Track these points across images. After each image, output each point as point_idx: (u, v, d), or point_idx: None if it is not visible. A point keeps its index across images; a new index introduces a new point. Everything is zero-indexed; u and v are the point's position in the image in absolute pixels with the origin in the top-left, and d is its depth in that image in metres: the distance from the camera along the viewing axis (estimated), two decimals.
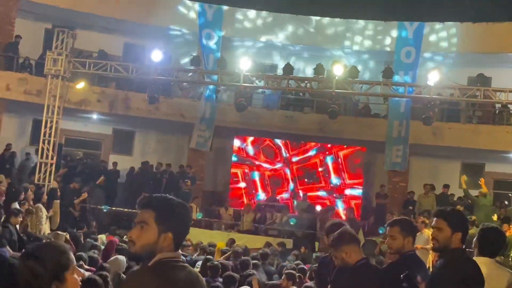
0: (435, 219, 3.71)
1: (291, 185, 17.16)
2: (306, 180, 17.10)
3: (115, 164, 17.36)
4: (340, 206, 16.70)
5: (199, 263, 8.61)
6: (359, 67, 14.38)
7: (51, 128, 13.92)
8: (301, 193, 16.96)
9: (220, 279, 7.28)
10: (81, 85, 14.69)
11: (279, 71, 15.91)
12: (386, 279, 3.99)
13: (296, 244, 13.24)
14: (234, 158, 17.23)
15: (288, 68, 14.06)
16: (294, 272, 7.47)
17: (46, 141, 13.89)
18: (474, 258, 4.14)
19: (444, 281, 3.44)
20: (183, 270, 2.51)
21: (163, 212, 2.53)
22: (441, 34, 17.30)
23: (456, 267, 3.47)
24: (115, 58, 16.32)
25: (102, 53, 15.97)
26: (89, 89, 15.61)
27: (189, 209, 2.65)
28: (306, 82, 14.24)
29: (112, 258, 7.93)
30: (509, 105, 16.03)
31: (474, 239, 4.22)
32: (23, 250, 2.80)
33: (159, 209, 2.54)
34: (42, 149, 13.88)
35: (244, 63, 13.88)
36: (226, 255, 9.96)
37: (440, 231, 3.62)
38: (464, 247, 3.67)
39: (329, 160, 17.09)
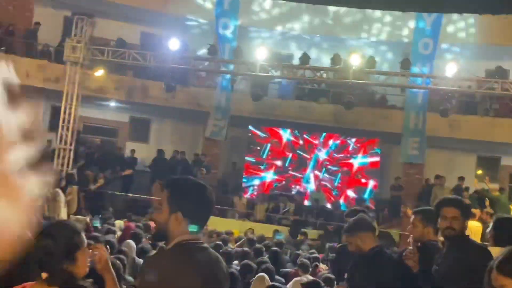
0: (446, 207, 3.77)
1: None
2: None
3: (133, 151, 17.59)
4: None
5: None
6: (377, 58, 14.33)
7: (69, 114, 14.10)
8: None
9: (235, 266, 7.38)
10: (99, 72, 14.84)
11: (296, 61, 15.92)
12: (400, 266, 4.04)
13: (327, 236, 13.19)
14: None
15: (305, 58, 14.05)
16: (307, 261, 7.56)
17: (64, 128, 14.08)
18: (489, 248, 4.17)
19: (468, 269, 3.49)
20: (203, 253, 2.48)
21: (175, 191, 2.51)
22: (459, 25, 17.15)
23: (478, 254, 3.55)
24: (133, 46, 16.44)
25: (120, 41, 16.09)
26: (107, 77, 15.76)
27: (209, 190, 2.55)
28: (322, 72, 14.23)
29: (124, 243, 8.05)
30: None
31: (488, 229, 4.25)
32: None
33: (172, 189, 2.53)
34: (61, 135, 14.07)
35: (260, 53, 13.91)
36: (239, 242, 10.08)
37: (456, 220, 3.71)
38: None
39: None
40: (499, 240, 4.11)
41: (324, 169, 17.28)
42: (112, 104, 17.73)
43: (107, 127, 18.87)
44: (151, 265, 2.50)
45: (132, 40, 17.28)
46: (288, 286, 6.62)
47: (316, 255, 8.81)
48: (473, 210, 12.06)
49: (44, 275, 2.45)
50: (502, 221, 4.19)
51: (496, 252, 4.09)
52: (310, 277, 6.96)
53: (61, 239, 2.45)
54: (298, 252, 9.64)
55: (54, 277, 2.44)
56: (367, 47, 17.93)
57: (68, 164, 13.96)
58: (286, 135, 17.47)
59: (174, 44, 14.03)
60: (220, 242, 8.90)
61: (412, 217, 4.29)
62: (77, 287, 2.46)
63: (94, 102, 16.92)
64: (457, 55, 16.37)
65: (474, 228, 9.21)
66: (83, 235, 2.57)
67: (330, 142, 17.35)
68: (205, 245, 2.56)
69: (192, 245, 2.46)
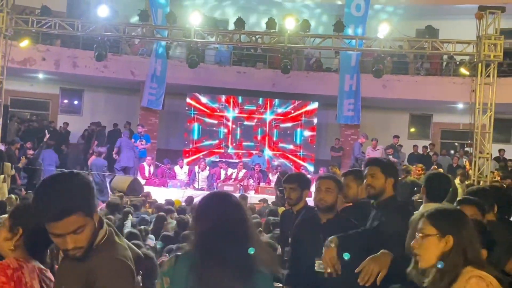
0: (367, 167, 3.82)
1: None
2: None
3: (65, 124, 17.09)
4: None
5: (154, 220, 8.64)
6: (311, 21, 14.34)
7: None
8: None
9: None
10: (24, 43, 14.06)
11: (231, 26, 15.68)
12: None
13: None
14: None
15: (240, 23, 13.86)
16: None
17: None
18: (423, 204, 4.29)
19: (392, 232, 3.55)
20: (114, 232, 2.32)
21: (90, 202, 2.20)
22: None
23: (401, 217, 3.59)
24: (59, 14, 15.68)
25: (45, 9, 15.27)
26: (33, 47, 15.01)
27: (78, 178, 2.20)
28: (258, 36, 14.11)
29: None
30: (455, 56, 16.43)
31: (422, 186, 4.38)
32: None
33: (86, 206, 2.18)
34: None
35: (194, 18, 13.58)
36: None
37: (373, 177, 3.73)
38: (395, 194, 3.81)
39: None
40: (431, 196, 4.25)
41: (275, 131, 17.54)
42: (41, 76, 16.99)
43: (37, 100, 18.14)
44: (114, 273, 2.17)
45: (57, 7, 16.51)
46: None
47: (258, 220, 8.85)
48: (410, 166, 12.61)
49: None
50: (433, 177, 4.33)
51: (430, 207, 4.24)
52: None
53: None
54: None
55: None
56: (301, 10, 17.92)
57: None
58: (225, 101, 17.43)
59: (103, 10, 13.46)
60: (163, 214, 8.81)
61: (342, 178, 4.35)
62: None
63: (21, 74, 16.17)
64: (389, 16, 16.63)
65: None
66: None
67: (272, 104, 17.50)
68: (114, 238, 2.29)
69: (110, 235, 2.26)
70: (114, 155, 15.19)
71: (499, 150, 16.10)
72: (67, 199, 2.10)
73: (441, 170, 13.71)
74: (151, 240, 7.27)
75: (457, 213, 2.39)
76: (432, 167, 13.76)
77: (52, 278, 2.57)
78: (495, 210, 4.13)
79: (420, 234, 2.31)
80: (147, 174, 15.20)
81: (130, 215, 8.68)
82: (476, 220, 3.11)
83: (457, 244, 2.25)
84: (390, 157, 14.42)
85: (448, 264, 2.24)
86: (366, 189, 3.79)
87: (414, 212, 4.21)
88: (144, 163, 15.36)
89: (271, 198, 13.13)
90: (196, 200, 12.98)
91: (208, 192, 2.49)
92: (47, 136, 14.78)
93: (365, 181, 3.79)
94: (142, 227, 7.69)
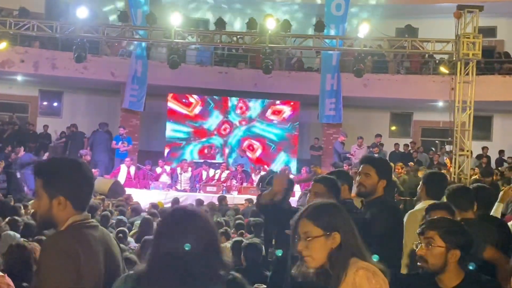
0: (362, 165, 3.82)
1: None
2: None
3: (45, 127, 16.91)
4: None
5: (137, 222, 8.58)
6: (291, 21, 14.36)
7: None
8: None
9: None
10: (2, 45, 13.85)
11: (211, 26, 15.63)
12: None
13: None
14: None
15: (220, 23, 13.83)
16: (228, 229, 7.67)
17: None
18: (422, 201, 4.33)
19: (378, 230, 3.55)
20: (96, 230, 2.49)
21: (49, 177, 2.46)
22: None
23: (391, 216, 3.62)
24: (37, 15, 15.48)
25: (23, 10, 15.10)
26: (11, 49, 14.78)
27: (83, 166, 2.52)
28: (239, 37, 14.09)
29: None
30: (435, 55, 16.59)
31: (420, 183, 4.44)
32: None
33: (45, 175, 2.47)
34: None
35: (174, 19, 13.52)
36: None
37: (367, 177, 3.73)
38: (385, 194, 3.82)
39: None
40: (430, 193, 4.30)
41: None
42: (19, 78, 16.77)
43: (16, 103, 17.89)
44: (49, 248, 2.36)
45: (36, 9, 16.33)
46: None
47: (241, 221, 8.84)
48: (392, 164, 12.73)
49: None
50: (432, 176, 4.46)
51: (429, 204, 4.27)
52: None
53: None
54: (223, 219, 9.65)
55: None
56: (281, 10, 17.94)
57: None
58: (207, 101, 17.36)
59: (82, 12, 13.32)
60: (150, 217, 8.73)
61: None
62: None
63: (0, 76, 15.94)
64: (369, 15, 16.72)
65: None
66: None
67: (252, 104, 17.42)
68: (96, 224, 2.55)
69: (84, 224, 2.46)
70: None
71: (483, 148, 16.24)
72: (43, 164, 2.53)
73: (411, 167, 13.88)
74: (132, 243, 7.22)
75: (335, 207, 2.38)
76: (409, 163, 13.88)
77: (11, 283, 2.56)
78: (474, 208, 4.18)
79: (308, 238, 2.27)
80: (125, 176, 14.99)
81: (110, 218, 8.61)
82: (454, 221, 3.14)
83: (344, 238, 2.27)
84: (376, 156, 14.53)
85: (337, 259, 2.25)
86: (357, 186, 3.80)
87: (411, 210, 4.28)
88: (123, 165, 15.21)
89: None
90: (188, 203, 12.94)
91: (173, 210, 2.28)
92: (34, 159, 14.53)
93: (357, 178, 3.79)
94: (122, 229, 7.63)
